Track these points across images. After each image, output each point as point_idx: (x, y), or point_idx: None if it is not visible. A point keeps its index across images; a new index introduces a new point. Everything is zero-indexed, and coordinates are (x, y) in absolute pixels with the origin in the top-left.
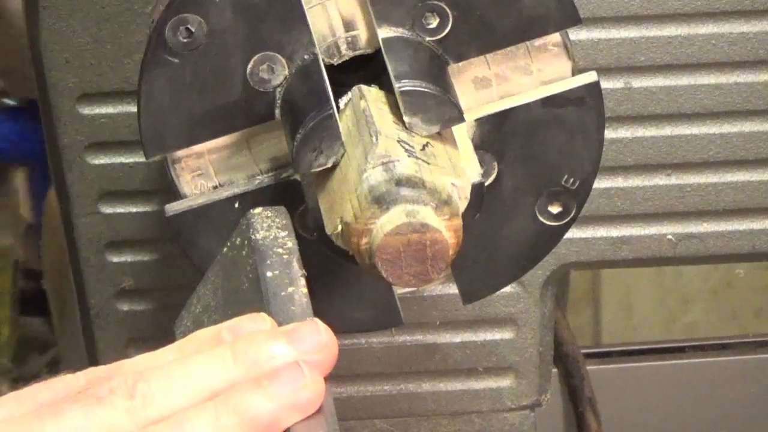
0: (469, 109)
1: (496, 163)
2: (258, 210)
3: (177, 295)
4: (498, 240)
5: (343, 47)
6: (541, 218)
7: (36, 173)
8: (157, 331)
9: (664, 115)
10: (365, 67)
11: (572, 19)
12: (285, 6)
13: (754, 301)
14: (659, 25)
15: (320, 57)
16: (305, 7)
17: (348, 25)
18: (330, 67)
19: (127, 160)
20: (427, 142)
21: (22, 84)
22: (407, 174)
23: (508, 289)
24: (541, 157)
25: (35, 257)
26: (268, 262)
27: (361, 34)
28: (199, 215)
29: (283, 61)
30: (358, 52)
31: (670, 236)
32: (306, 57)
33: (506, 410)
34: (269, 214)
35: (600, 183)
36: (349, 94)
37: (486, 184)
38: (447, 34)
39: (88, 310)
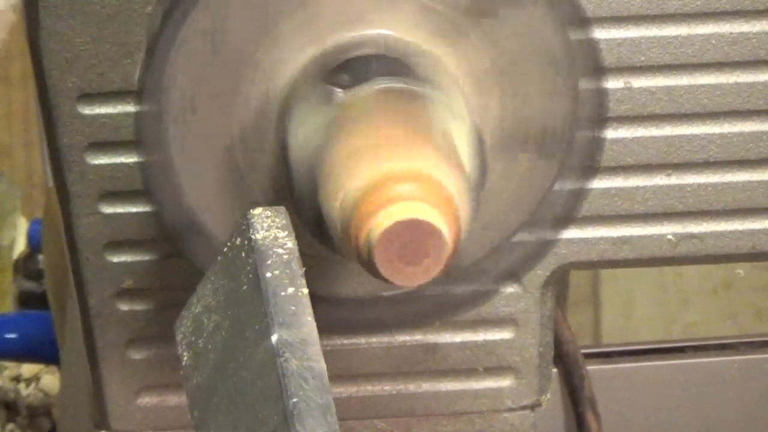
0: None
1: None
2: (258, 210)
3: (177, 295)
4: None
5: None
6: None
7: None
8: (157, 331)
9: (664, 115)
10: None
11: None
12: None
13: (754, 301)
14: (659, 25)
15: None
16: None
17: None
18: None
19: (127, 160)
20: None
21: None
22: (406, 169)
23: (508, 289)
24: None
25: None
26: (268, 262)
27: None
28: None
29: None
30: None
31: (670, 236)
32: None
33: (506, 410)
34: (269, 214)
35: (600, 183)
36: None
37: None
38: None
39: (88, 310)
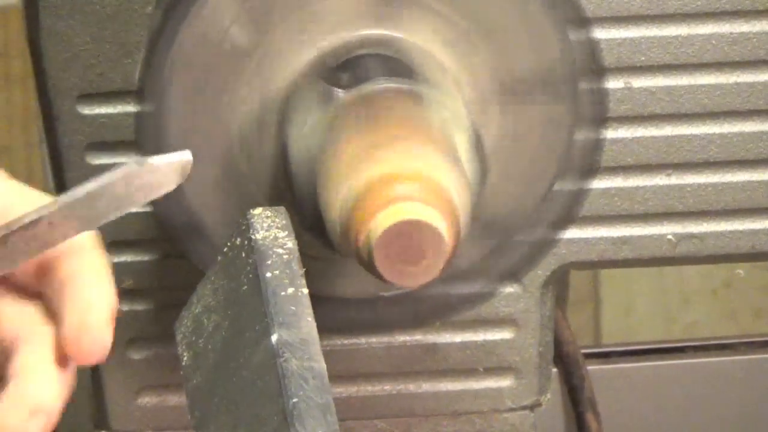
0: None
1: None
2: (258, 210)
3: (177, 295)
4: None
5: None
6: None
7: None
8: (157, 331)
9: (664, 115)
10: None
11: None
12: None
13: (754, 301)
14: (659, 25)
15: None
16: None
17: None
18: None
19: (127, 161)
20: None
21: None
22: (406, 170)
23: (508, 289)
24: None
25: None
26: (269, 262)
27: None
28: None
29: None
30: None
31: (670, 236)
32: None
33: (506, 410)
34: (269, 214)
35: (600, 183)
36: None
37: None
38: None
39: None
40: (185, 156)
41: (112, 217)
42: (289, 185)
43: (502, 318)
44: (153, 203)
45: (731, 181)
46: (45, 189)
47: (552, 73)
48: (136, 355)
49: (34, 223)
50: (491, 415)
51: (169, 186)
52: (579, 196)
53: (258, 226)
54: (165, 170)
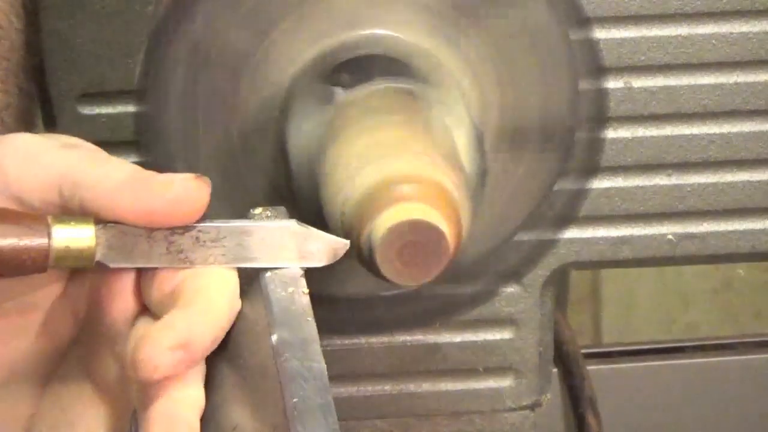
0: None
1: None
2: (258, 210)
3: None
4: None
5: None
6: None
7: None
8: None
9: (664, 115)
10: None
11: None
12: None
13: (754, 301)
14: (659, 25)
15: None
16: None
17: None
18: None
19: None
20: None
21: None
22: (407, 170)
23: (508, 289)
24: None
25: None
26: None
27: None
28: None
29: None
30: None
31: (670, 236)
32: None
33: (506, 410)
34: (269, 214)
35: (600, 183)
36: None
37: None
38: None
39: None
40: (343, 241)
41: (257, 264)
42: (289, 185)
43: (502, 318)
44: None
45: (731, 181)
46: None
47: (554, 125)
48: None
49: (180, 231)
50: (491, 415)
51: (318, 262)
52: (579, 196)
53: None
54: (320, 244)
